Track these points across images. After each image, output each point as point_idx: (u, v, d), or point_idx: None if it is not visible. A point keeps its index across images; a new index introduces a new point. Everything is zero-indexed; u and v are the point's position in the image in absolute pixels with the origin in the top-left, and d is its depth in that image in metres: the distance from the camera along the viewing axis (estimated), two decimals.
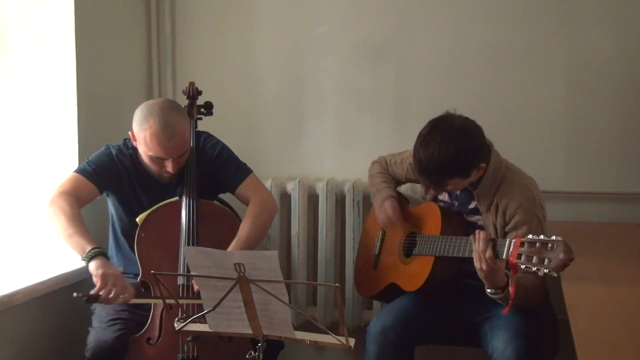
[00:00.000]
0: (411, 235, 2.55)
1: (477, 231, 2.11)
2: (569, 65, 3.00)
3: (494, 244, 2.08)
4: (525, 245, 1.99)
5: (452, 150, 2.23)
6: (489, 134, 2.38)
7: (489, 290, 2.17)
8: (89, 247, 2.27)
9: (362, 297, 3.04)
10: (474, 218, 2.42)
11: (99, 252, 2.26)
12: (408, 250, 2.54)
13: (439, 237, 2.38)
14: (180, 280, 2.38)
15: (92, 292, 2.21)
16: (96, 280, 2.22)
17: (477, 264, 2.10)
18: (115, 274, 2.26)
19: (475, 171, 2.30)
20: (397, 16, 3.13)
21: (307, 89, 3.24)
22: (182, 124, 2.44)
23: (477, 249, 2.09)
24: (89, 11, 2.79)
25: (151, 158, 2.43)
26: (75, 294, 2.25)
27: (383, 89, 3.17)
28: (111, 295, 2.21)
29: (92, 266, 2.24)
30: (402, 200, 2.67)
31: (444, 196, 2.53)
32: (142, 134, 2.40)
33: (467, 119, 2.31)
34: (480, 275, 2.13)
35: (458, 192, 2.46)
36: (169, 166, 2.43)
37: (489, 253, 2.06)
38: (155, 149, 2.39)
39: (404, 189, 2.92)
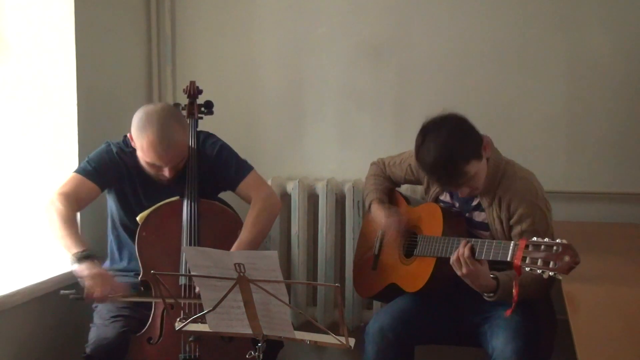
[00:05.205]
0: (412, 235, 2.55)
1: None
2: (568, 65, 3.00)
3: (472, 246, 2.15)
4: (530, 248, 1.99)
5: (452, 138, 2.26)
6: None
7: (485, 295, 2.21)
8: (76, 250, 2.28)
9: (361, 297, 3.04)
10: (477, 213, 2.42)
11: (87, 255, 2.28)
12: (408, 251, 2.54)
13: (440, 238, 2.37)
14: (182, 281, 2.38)
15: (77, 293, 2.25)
16: (83, 282, 2.24)
17: (458, 271, 2.16)
18: (103, 273, 2.27)
19: (483, 151, 2.31)
20: (397, 16, 3.13)
21: (307, 89, 3.24)
22: (180, 134, 2.45)
23: (456, 255, 2.16)
24: (89, 11, 2.79)
25: (148, 163, 2.45)
26: (62, 292, 2.27)
27: (383, 89, 3.17)
28: (98, 294, 2.22)
29: (79, 268, 2.25)
30: (399, 200, 2.67)
31: (445, 196, 2.53)
32: (139, 142, 2.42)
33: (448, 114, 2.33)
34: (466, 281, 2.17)
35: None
36: (166, 172, 2.45)
37: (466, 253, 2.13)
38: (151, 157, 2.41)
39: (404, 189, 2.92)
